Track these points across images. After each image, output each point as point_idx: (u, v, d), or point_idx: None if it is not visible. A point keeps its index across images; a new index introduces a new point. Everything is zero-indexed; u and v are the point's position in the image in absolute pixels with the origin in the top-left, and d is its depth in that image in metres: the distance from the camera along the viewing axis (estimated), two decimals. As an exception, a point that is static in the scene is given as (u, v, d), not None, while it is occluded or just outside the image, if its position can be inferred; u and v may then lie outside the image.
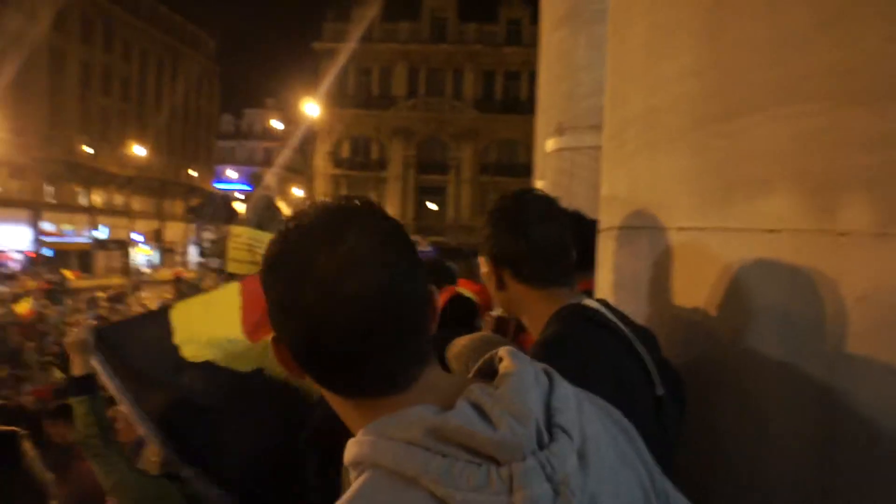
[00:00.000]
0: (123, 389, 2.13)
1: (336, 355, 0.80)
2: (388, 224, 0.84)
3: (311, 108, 32.67)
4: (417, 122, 38.76)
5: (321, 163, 39.53)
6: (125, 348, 2.25)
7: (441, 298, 3.73)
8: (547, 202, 1.54)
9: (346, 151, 40.21)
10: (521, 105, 34.62)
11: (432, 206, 39.15)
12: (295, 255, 0.80)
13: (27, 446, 1.22)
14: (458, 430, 0.73)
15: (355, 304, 0.77)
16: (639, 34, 1.77)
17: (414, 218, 38.42)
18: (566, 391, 0.83)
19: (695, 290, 1.54)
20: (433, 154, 39.22)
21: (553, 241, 1.48)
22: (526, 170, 22.89)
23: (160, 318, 2.37)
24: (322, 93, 34.47)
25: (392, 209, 38.36)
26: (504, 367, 0.82)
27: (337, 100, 37.13)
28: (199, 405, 2.13)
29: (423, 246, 27.36)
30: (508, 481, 0.71)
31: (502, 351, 0.86)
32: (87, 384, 2.17)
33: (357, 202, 0.84)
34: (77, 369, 2.19)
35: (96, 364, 2.18)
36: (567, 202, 2.45)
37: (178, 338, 2.27)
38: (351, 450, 0.79)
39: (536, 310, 1.48)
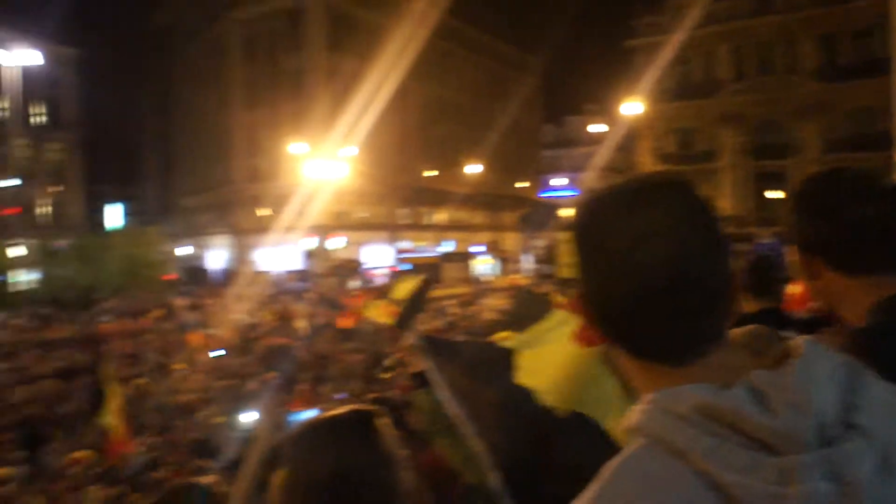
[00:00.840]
0: (450, 391, 2.28)
1: (622, 322, 0.83)
2: (690, 200, 0.83)
3: (630, 107, 32.22)
4: (747, 105, 35.71)
5: (645, 160, 38.72)
6: (454, 357, 2.43)
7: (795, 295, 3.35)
8: (863, 178, 1.33)
9: (670, 146, 38.76)
10: (875, 66, 29.63)
11: (773, 193, 35.57)
12: (592, 224, 0.85)
13: (383, 424, 1.40)
14: (730, 412, 0.72)
15: (643, 275, 0.79)
16: None
17: (754, 208, 35.35)
18: (879, 391, 0.76)
19: None
20: (769, 137, 35.68)
21: (871, 222, 1.27)
22: (888, 141, 19.58)
23: (492, 345, 2.52)
24: (640, 89, 33.78)
25: (726, 201, 35.85)
26: (796, 354, 0.78)
27: (656, 94, 36.02)
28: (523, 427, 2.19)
29: (765, 238, 25.03)
30: (784, 472, 0.69)
31: (800, 339, 0.81)
32: (422, 379, 2.41)
33: (662, 177, 0.86)
34: (413, 368, 2.48)
35: (427, 365, 2.39)
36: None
37: (520, 370, 2.36)
38: (630, 416, 0.81)
39: (855, 301, 1.28)
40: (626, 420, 0.81)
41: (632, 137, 39.34)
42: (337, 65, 38.78)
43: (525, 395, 2.22)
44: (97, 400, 7.22)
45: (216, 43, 44.02)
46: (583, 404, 2.14)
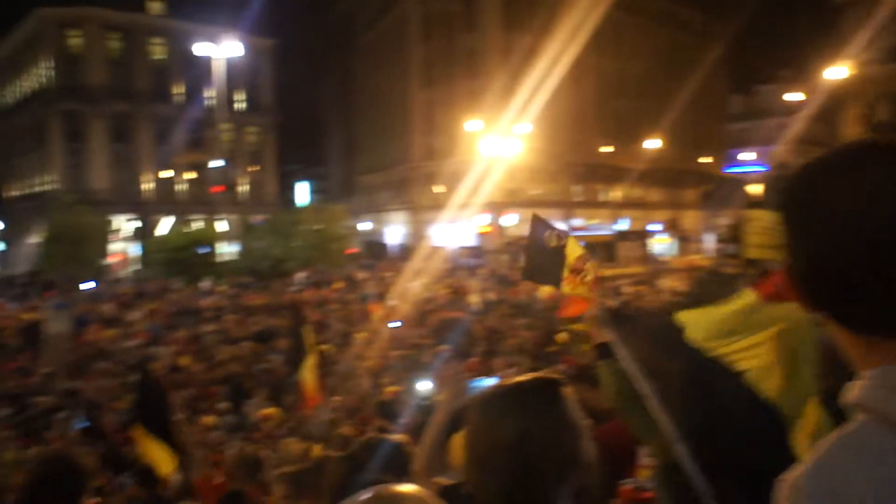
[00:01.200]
0: (635, 362, 2.25)
1: (843, 294, 0.77)
2: None
3: (835, 71, 29.12)
4: None
5: (852, 130, 34.93)
6: (637, 330, 2.40)
7: None
8: None
9: (883, 113, 34.61)
10: None
11: None
12: (811, 185, 0.80)
13: (567, 392, 1.38)
14: None
15: (872, 238, 0.75)
16: None
17: None
18: None
19: None
20: None
21: None
22: None
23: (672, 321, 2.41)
24: (847, 52, 30.39)
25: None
26: None
27: (867, 56, 32.21)
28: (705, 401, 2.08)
29: None
30: None
31: None
32: (605, 351, 2.40)
33: (883, 139, 0.79)
34: (596, 339, 2.48)
35: (611, 337, 2.38)
36: None
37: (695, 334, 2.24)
38: (851, 391, 0.77)
39: None
40: (847, 395, 0.77)
41: (834, 106, 35.62)
42: (512, 42, 38.72)
43: (712, 368, 2.10)
44: (293, 361, 7.83)
45: (394, 25, 45.62)
46: (778, 387, 1.98)
